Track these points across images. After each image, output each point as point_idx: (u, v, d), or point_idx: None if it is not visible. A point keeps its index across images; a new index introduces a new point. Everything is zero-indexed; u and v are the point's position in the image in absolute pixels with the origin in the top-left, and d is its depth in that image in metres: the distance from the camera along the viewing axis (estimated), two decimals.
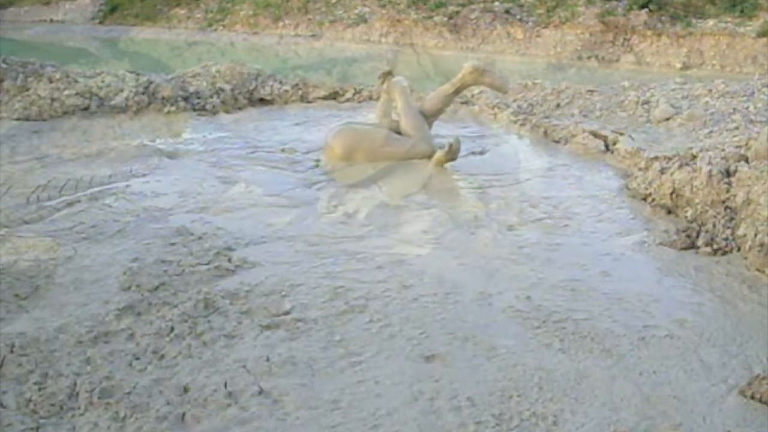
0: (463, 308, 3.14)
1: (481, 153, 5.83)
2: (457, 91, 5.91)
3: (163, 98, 7.11)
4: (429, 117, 5.77)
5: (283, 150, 5.80)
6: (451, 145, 5.18)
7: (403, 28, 10.67)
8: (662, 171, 4.68)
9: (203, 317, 2.99)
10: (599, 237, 4.05)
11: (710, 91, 6.88)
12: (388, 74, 5.93)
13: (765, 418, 2.42)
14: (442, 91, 5.88)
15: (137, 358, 2.68)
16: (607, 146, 5.87)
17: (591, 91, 7.38)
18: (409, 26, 10.48)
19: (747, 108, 6.17)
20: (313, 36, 11.17)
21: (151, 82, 7.36)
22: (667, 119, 6.24)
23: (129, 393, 2.46)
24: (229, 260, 3.54)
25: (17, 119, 6.43)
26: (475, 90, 7.58)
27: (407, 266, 3.56)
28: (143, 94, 7.12)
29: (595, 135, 6.03)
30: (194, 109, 7.05)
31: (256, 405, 2.44)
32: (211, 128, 6.55)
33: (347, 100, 7.87)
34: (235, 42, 11.14)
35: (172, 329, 2.88)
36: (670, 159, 4.85)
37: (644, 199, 4.62)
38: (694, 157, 4.72)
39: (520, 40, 9.68)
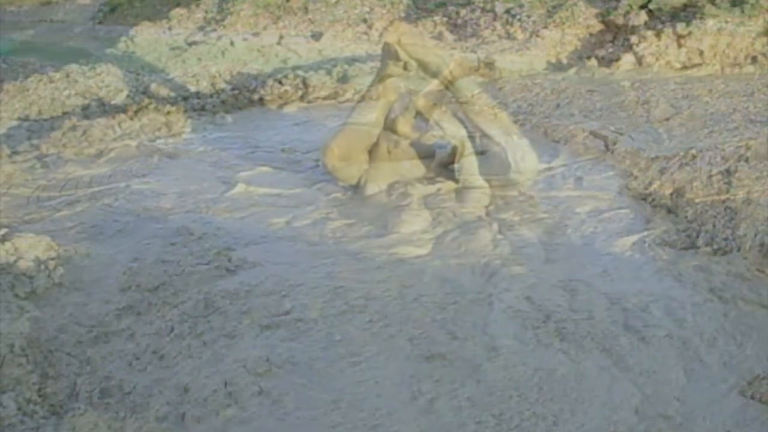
0: (463, 308, 3.14)
1: (482, 153, 5.82)
2: (448, 86, 5.89)
3: (163, 98, 7.11)
4: (425, 115, 5.76)
5: (283, 150, 5.79)
6: (455, 147, 5.17)
7: (403, 28, 10.65)
8: (662, 171, 4.68)
9: (203, 317, 2.99)
10: (599, 237, 4.05)
11: (710, 91, 6.88)
12: (388, 76, 5.93)
13: (765, 418, 2.42)
14: (434, 88, 5.86)
15: (137, 358, 2.69)
16: (607, 146, 5.86)
17: (591, 91, 7.37)
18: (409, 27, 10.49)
19: (747, 108, 6.16)
20: (313, 36, 11.14)
21: (151, 82, 7.36)
22: (667, 119, 6.23)
23: (129, 393, 2.47)
24: (229, 260, 3.54)
25: (17, 119, 6.43)
26: (475, 90, 7.57)
27: (407, 266, 3.56)
28: (143, 94, 7.12)
29: (595, 135, 6.02)
30: (194, 109, 7.05)
31: (256, 405, 2.44)
32: (211, 128, 6.54)
33: (347, 100, 7.85)
34: (235, 42, 11.11)
35: (172, 329, 2.89)
36: (670, 159, 4.86)
37: (644, 199, 4.61)
38: (694, 157, 4.73)
39: (520, 40, 9.65)
